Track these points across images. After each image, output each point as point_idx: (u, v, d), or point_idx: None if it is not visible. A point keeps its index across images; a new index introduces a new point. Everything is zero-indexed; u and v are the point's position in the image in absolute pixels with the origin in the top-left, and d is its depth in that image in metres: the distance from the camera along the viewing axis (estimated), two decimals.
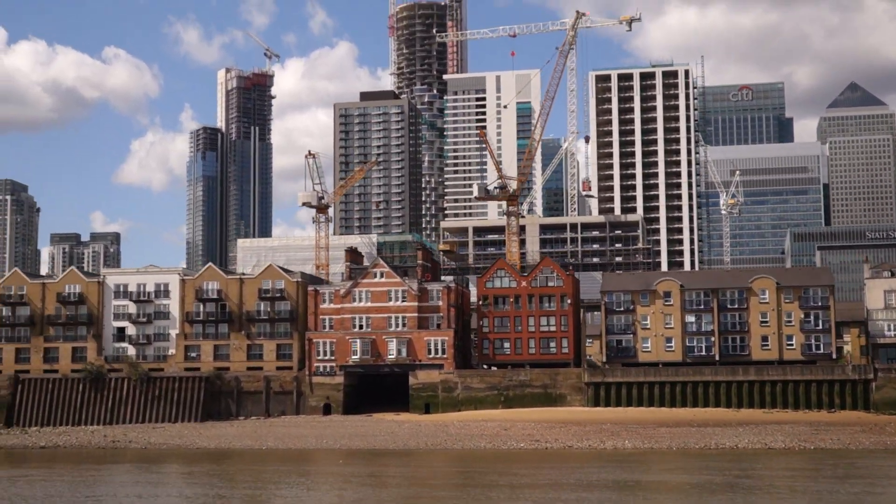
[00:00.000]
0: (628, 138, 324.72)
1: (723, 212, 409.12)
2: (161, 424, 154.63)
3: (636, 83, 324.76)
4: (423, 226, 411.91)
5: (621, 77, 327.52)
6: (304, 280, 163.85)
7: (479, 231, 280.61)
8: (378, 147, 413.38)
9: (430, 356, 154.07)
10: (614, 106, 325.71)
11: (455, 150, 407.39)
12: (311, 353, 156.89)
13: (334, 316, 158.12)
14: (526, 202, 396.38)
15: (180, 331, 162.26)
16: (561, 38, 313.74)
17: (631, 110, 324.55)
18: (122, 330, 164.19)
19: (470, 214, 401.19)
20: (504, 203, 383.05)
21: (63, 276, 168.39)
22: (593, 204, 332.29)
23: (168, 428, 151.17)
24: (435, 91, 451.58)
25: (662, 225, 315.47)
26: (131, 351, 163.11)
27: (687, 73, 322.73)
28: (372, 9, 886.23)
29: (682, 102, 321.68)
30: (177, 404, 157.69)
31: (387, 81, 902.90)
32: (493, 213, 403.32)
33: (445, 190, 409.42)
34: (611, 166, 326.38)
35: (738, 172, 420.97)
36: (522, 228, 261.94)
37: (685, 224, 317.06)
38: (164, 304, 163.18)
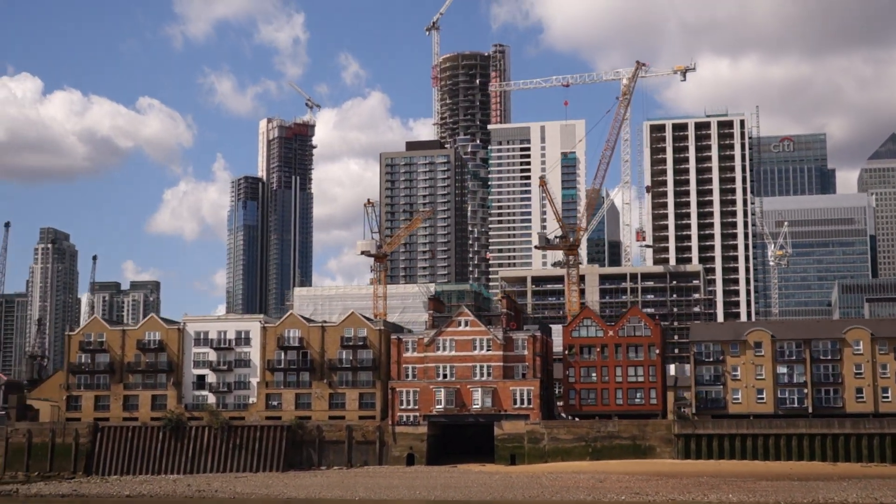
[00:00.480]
0: (683, 188, 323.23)
1: (770, 263, 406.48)
2: (243, 474, 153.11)
3: (691, 133, 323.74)
4: (469, 275, 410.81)
5: (676, 127, 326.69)
6: (386, 328, 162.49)
7: (537, 280, 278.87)
8: (424, 196, 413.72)
9: (516, 406, 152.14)
10: (669, 156, 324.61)
11: (499, 200, 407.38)
12: (394, 403, 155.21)
13: (418, 365, 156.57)
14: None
15: (261, 379, 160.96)
16: (609, 87, 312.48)
17: (685, 160, 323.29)
18: (202, 377, 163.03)
19: (513, 264, 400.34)
20: (550, 253, 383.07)
21: (143, 323, 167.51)
22: (648, 254, 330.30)
23: (251, 477, 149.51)
24: (478, 141, 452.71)
25: (718, 276, 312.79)
26: (211, 399, 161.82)
27: (742, 123, 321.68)
28: (406, 60, 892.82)
29: (737, 152, 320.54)
30: (258, 453, 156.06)
31: (419, 131, 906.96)
32: (538, 263, 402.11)
33: (489, 239, 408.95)
34: (665, 216, 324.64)
35: (786, 223, 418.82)
36: (581, 278, 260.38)
37: (741, 275, 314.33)
38: (244, 351, 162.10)
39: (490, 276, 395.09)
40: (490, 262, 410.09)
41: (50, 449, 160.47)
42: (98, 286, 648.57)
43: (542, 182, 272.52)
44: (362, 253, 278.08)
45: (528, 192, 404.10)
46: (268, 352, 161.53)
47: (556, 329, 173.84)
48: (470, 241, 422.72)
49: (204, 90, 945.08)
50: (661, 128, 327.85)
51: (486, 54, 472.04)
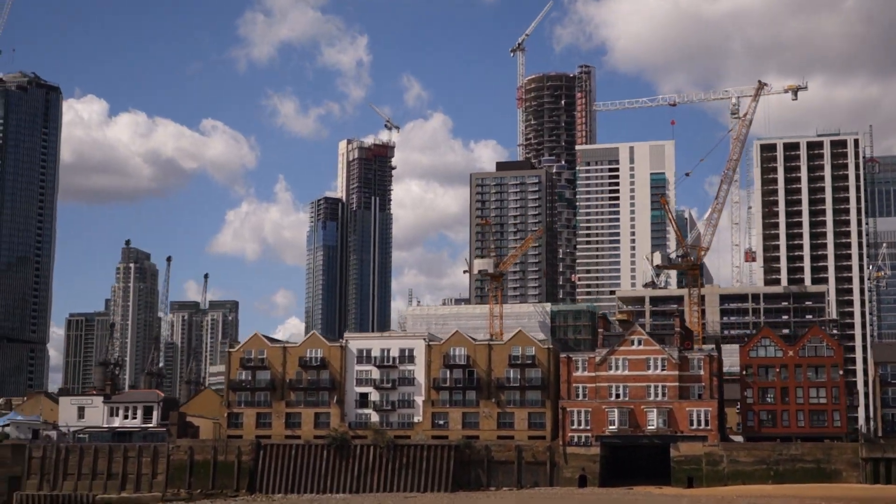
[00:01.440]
0: (794, 208, 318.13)
1: (867, 283, 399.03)
2: (412, 494, 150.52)
3: (803, 152, 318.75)
4: (560, 296, 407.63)
5: (787, 146, 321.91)
6: (555, 346, 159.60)
7: (655, 300, 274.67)
8: (514, 217, 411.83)
9: (692, 427, 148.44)
10: (780, 175, 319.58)
11: (587, 220, 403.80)
12: (564, 423, 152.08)
13: (589, 384, 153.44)
14: (663, 275, 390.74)
15: (426, 398, 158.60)
16: (711, 107, 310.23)
17: (797, 180, 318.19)
18: (364, 395, 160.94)
19: (600, 285, 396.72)
20: (641, 273, 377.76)
21: (304, 340, 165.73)
22: (758, 274, 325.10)
23: (420, 497, 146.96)
24: (563, 161, 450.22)
25: (832, 297, 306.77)
26: (375, 417, 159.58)
27: (856, 142, 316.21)
28: (469, 81, 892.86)
29: (851, 172, 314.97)
30: (425, 473, 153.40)
31: (480, 153, 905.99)
32: (626, 284, 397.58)
33: (576, 260, 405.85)
34: (776, 237, 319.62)
35: (884, 245, 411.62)
36: (702, 298, 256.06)
37: (856, 296, 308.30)
38: (408, 369, 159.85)
39: (575, 297, 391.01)
40: (577, 283, 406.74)
41: (212, 466, 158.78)
42: (177, 305, 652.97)
43: (664, 201, 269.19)
44: (479, 272, 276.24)
45: (617, 212, 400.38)
46: (433, 370, 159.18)
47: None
48: (560, 262, 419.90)
49: (267, 112, 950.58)
50: (773, 147, 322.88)
51: (572, 75, 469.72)
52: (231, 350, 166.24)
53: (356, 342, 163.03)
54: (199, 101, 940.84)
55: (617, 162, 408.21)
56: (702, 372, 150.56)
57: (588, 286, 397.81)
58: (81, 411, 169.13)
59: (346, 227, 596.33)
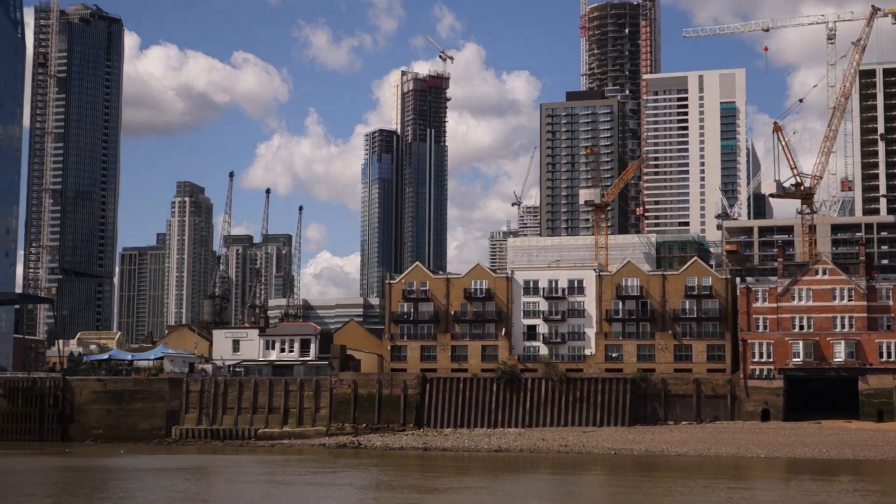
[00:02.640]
0: (893, 136, 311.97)
1: None
2: (589, 428, 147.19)
3: None
4: (629, 228, 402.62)
5: (886, 72, 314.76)
6: (732, 277, 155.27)
7: (763, 231, 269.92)
8: (585, 147, 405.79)
9: (882, 360, 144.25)
10: (879, 102, 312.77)
11: (655, 152, 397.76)
12: (745, 356, 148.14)
13: (769, 316, 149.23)
14: (736, 206, 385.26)
15: (598, 330, 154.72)
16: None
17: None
18: (532, 328, 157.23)
19: (669, 217, 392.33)
20: (714, 204, 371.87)
21: (468, 271, 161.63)
22: (857, 204, 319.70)
23: (597, 432, 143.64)
24: (627, 91, 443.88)
25: None
26: (543, 350, 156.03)
27: None
28: (501, 10, 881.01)
29: None
30: (601, 407, 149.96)
31: (514, 85, 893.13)
32: (696, 216, 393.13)
33: (646, 189, 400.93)
34: (875, 165, 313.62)
35: None
36: (811, 228, 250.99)
37: None
38: (578, 301, 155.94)
39: (640, 229, 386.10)
40: (645, 215, 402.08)
41: (377, 400, 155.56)
42: (231, 239, 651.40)
43: (778, 127, 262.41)
44: (586, 202, 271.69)
45: (686, 142, 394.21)
46: (604, 301, 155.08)
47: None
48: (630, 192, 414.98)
49: (299, 44, 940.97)
50: (871, 73, 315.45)
51: (636, 3, 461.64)
52: (392, 282, 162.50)
53: (522, 273, 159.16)
54: (231, 33, 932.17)
55: (686, 91, 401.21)
56: (891, 302, 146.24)
57: (656, 218, 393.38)
58: (236, 344, 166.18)
59: (402, 160, 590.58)
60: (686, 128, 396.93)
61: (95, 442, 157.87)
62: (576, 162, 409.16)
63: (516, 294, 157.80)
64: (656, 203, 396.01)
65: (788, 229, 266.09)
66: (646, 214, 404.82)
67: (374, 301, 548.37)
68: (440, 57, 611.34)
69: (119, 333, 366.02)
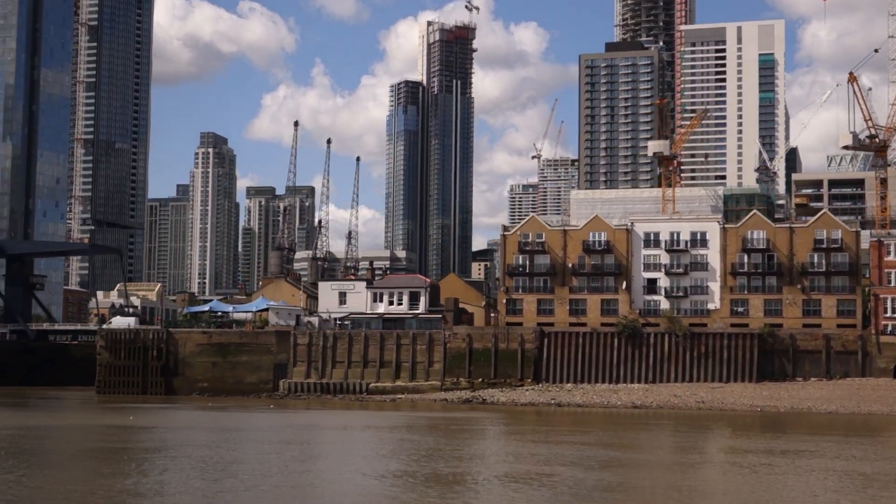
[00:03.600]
0: None
1: None
2: (716, 384, 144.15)
3: None
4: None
5: None
6: (858, 230, 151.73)
7: (834, 183, 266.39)
8: (625, 100, 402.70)
9: None
10: None
11: (693, 104, 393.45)
12: (877, 311, 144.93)
13: None
14: (776, 160, 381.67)
15: (723, 284, 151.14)
16: None
17: None
18: (652, 282, 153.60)
19: (707, 170, 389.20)
20: (748, 159, 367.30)
21: (586, 223, 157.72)
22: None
23: (726, 388, 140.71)
24: (662, 43, 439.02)
25: None
26: (664, 304, 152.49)
27: None
28: None
29: None
30: (727, 363, 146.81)
31: (522, 36, 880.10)
32: (733, 168, 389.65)
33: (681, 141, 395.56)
34: None
35: None
36: (883, 181, 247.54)
37: None
38: (701, 254, 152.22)
39: (682, 183, 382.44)
40: (680, 168, 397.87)
41: (493, 355, 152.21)
42: (254, 191, 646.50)
43: (853, 77, 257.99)
44: (654, 154, 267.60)
45: (724, 94, 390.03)
46: (729, 254, 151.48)
47: None
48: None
49: None
50: None
51: None
52: (506, 234, 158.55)
53: (642, 225, 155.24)
54: None
55: (724, 42, 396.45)
56: None
57: (692, 171, 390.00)
58: (343, 297, 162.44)
59: (428, 112, 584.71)
60: (724, 80, 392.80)
61: (202, 395, 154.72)
62: (615, 114, 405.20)
63: (636, 246, 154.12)
64: (692, 156, 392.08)
65: (858, 182, 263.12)
66: (681, 168, 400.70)
67: (401, 254, 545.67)
68: (466, 7, 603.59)
69: (159, 285, 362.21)
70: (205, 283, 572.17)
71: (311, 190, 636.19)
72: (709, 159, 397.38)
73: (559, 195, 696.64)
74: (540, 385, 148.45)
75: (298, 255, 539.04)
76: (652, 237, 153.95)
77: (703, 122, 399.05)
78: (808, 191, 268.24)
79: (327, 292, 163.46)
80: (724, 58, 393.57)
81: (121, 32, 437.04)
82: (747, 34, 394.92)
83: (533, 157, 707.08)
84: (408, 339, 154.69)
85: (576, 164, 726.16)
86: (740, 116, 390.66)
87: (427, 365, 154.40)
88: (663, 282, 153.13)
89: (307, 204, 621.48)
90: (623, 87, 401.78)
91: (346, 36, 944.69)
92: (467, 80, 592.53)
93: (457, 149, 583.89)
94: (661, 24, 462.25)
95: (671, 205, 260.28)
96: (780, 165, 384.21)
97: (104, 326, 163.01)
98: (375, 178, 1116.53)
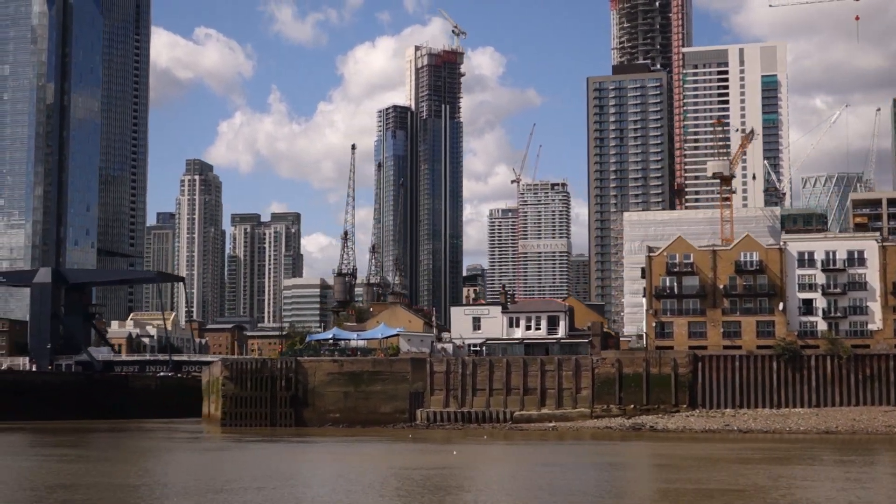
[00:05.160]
0: None
1: None
2: (888, 407, 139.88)
3: None
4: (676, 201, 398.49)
5: None
6: None
7: (893, 202, 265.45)
8: (634, 122, 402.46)
9: None
10: None
11: (696, 126, 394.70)
12: None
13: None
14: (784, 181, 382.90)
15: (884, 303, 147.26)
16: None
17: None
18: (808, 302, 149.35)
19: (710, 191, 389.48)
20: (753, 183, 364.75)
21: (737, 242, 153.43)
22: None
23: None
24: (659, 65, 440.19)
25: None
26: (821, 325, 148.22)
27: None
28: None
29: None
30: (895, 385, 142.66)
31: (479, 61, 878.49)
32: (739, 190, 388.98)
33: (685, 164, 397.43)
34: None
35: None
36: None
37: None
38: (859, 273, 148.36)
39: (686, 205, 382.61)
40: (685, 188, 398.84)
41: (644, 380, 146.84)
42: (239, 218, 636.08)
43: None
44: (714, 175, 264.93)
45: (727, 116, 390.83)
46: (889, 273, 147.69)
47: None
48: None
49: (264, 19, 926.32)
50: None
51: None
52: (652, 255, 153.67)
53: (796, 244, 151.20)
54: (193, 9, 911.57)
55: (726, 64, 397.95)
56: None
57: (697, 192, 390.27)
58: (477, 322, 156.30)
59: (416, 137, 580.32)
60: (727, 101, 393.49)
61: (335, 426, 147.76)
62: (624, 136, 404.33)
63: (790, 266, 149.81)
64: (696, 178, 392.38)
65: None
66: (686, 190, 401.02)
67: (395, 280, 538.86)
68: (453, 31, 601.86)
69: (173, 314, 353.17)
70: (192, 311, 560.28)
71: (297, 216, 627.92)
72: (713, 180, 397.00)
73: (540, 219, 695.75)
74: (697, 410, 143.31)
75: (287, 282, 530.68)
76: (806, 256, 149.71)
77: (707, 142, 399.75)
78: (866, 210, 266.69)
79: (460, 317, 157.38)
80: (726, 80, 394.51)
81: (119, 61, 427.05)
82: (749, 56, 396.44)
83: (512, 182, 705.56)
84: (552, 364, 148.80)
85: (556, 187, 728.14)
86: (745, 131, 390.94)
87: (574, 391, 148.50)
88: (820, 302, 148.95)
89: (293, 231, 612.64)
90: (632, 110, 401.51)
91: (303, 61, 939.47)
92: (456, 104, 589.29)
93: (446, 173, 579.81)
94: (659, 46, 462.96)
95: (729, 226, 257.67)
96: (787, 186, 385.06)
97: (225, 357, 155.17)
98: (332, 205, 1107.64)
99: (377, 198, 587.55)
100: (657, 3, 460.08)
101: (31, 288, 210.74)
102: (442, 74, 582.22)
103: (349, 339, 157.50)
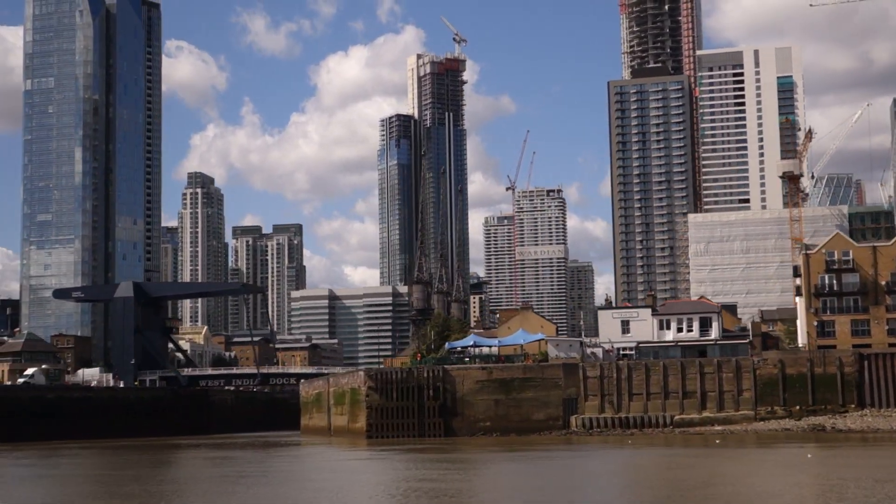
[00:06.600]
0: None
1: None
2: None
3: None
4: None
5: None
6: None
7: None
8: (656, 125, 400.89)
9: None
10: None
11: (713, 128, 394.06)
12: None
13: None
14: (804, 179, 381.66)
15: None
16: None
17: None
18: None
19: (729, 193, 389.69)
20: (770, 182, 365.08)
21: None
22: None
23: None
24: (670, 68, 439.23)
25: None
26: None
27: None
28: None
29: None
30: None
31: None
32: (755, 192, 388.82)
33: (702, 167, 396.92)
34: None
35: None
36: None
37: None
38: None
39: (704, 208, 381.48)
40: (704, 190, 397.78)
41: (809, 380, 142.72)
42: (240, 230, 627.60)
43: None
44: (784, 174, 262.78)
45: (743, 117, 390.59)
46: None
47: None
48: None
49: (237, 30, 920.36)
50: None
51: None
52: (809, 252, 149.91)
53: None
54: (164, 20, 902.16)
55: (741, 66, 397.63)
56: None
57: (716, 195, 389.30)
58: (626, 325, 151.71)
59: (420, 145, 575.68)
60: (743, 103, 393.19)
61: (488, 435, 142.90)
62: (647, 140, 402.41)
63: None
64: (714, 181, 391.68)
65: None
66: (704, 192, 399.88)
67: (403, 289, 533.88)
68: (454, 39, 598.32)
69: (205, 328, 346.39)
70: (197, 325, 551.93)
71: (299, 228, 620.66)
72: (731, 182, 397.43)
73: (536, 226, 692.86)
74: (867, 410, 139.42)
75: (296, 293, 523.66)
76: None
77: (725, 145, 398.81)
78: None
79: (608, 321, 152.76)
80: (742, 81, 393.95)
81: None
82: (764, 57, 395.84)
83: (508, 189, 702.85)
84: (711, 366, 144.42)
85: (552, 193, 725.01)
86: (761, 140, 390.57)
87: (736, 394, 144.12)
88: None
89: (295, 242, 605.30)
90: (654, 114, 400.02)
91: (276, 72, 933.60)
92: (459, 111, 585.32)
93: (451, 181, 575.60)
94: (669, 50, 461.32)
95: (798, 224, 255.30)
96: (810, 187, 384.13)
97: (369, 367, 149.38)
98: (307, 216, 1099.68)
99: (381, 207, 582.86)
100: (667, 7, 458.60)
101: (112, 303, 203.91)
102: (445, 82, 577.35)
103: (490, 346, 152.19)
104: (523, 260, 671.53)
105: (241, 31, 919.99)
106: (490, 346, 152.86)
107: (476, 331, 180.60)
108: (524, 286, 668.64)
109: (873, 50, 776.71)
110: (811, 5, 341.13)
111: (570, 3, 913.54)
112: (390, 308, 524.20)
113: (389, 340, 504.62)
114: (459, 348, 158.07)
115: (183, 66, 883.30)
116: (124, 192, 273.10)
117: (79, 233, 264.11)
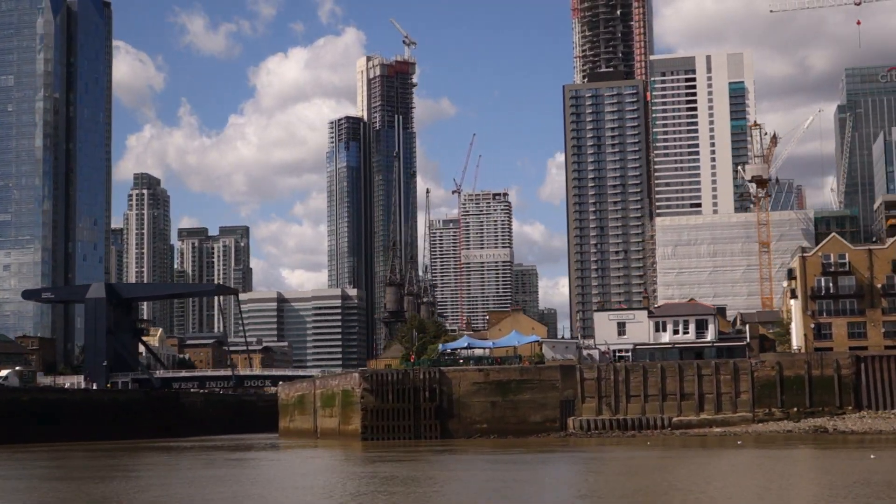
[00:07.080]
0: None
1: None
2: None
3: None
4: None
5: None
6: None
7: None
8: (611, 130, 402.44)
9: None
10: None
11: (665, 132, 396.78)
12: None
13: None
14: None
15: None
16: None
17: None
18: None
19: (681, 198, 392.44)
20: (722, 187, 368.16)
21: (893, 241, 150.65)
22: None
23: None
24: (623, 73, 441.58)
25: None
26: None
27: None
28: None
29: None
30: None
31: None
32: (707, 197, 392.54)
33: (655, 171, 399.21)
34: None
35: None
36: None
37: None
38: None
39: (657, 212, 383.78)
40: (657, 195, 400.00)
41: (806, 382, 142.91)
42: (186, 232, 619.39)
43: None
44: (752, 178, 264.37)
45: (695, 123, 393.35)
46: None
47: None
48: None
49: (175, 30, 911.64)
50: None
51: None
52: (806, 255, 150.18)
53: None
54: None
55: (693, 72, 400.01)
56: None
57: (668, 199, 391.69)
58: (622, 327, 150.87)
59: (369, 148, 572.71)
60: (695, 108, 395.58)
61: (485, 437, 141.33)
62: (602, 144, 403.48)
63: None
64: (667, 185, 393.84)
65: None
66: (657, 196, 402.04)
67: (352, 292, 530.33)
68: (404, 42, 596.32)
69: (160, 331, 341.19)
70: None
71: (245, 230, 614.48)
72: (683, 187, 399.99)
73: (482, 229, 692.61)
74: (864, 412, 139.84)
75: (253, 294, 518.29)
76: None
77: (677, 150, 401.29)
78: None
79: (604, 322, 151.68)
80: (694, 87, 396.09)
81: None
82: (717, 63, 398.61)
83: (453, 192, 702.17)
84: (709, 368, 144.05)
85: (498, 197, 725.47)
86: (713, 144, 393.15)
87: (733, 396, 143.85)
88: None
89: (242, 244, 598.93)
90: (609, 118, 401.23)
91: (215, 73, 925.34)
92: (409, 114, 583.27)
93: (400, 183, 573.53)
94: (621, 54, 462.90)
95: (766, 228, 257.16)
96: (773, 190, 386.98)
97: (363, 369, 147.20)
98: (244, 217, 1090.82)
99: (330, 209, 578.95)
100: (619, 12, 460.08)
101: (84, 304, 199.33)
102: (394, 85, 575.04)
103: (484, 348, 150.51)
104: (469, 263, 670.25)
105: (180, 31, 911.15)
106: (484, 348, 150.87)
107: (465, 332, 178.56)
108: (469, 289, 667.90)
109: (810, 57, 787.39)
110: (771, 11, 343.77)
111: (521, 8, 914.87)
112: (339, 311, 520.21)
113: (339, 343, 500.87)
114: (450, 350, 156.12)
115: (119, 66, 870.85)
116: (85, 192, 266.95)
117: (39, 233, 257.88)
